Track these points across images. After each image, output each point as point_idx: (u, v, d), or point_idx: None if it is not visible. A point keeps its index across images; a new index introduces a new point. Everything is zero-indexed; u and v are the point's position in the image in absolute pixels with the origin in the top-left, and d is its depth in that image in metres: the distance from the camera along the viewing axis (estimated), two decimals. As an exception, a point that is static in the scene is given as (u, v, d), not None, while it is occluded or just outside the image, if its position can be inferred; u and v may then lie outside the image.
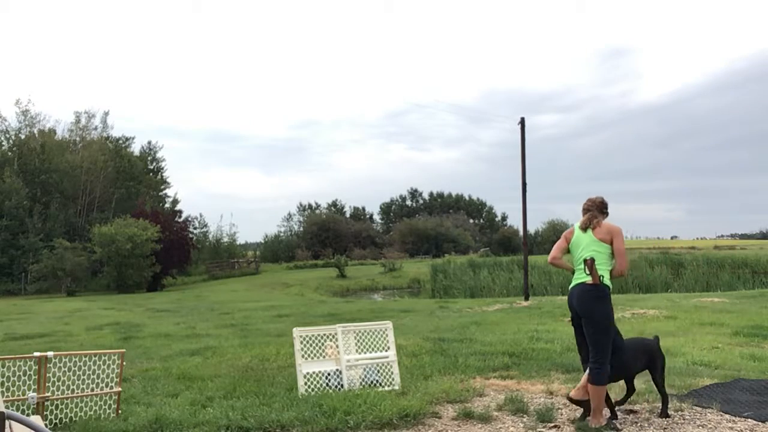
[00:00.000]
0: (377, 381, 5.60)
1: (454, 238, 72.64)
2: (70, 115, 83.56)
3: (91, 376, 4.94)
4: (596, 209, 4.66)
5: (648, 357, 4.71)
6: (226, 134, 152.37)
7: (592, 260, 4.40)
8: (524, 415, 4.69)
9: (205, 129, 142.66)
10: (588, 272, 4.40)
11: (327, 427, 4.38)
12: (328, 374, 5.63)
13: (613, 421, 4.44)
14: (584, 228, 4.58)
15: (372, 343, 5.85)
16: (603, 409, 4.42)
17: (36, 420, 1.88)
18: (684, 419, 4.49)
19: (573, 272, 4.60)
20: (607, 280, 4.41)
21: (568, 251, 4.71)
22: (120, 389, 4.92)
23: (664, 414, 4.58)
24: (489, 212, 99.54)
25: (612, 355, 4.40)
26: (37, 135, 45.18)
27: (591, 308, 4.37)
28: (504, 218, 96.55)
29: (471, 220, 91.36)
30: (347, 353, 5.71)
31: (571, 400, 4.51)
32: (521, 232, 20.03)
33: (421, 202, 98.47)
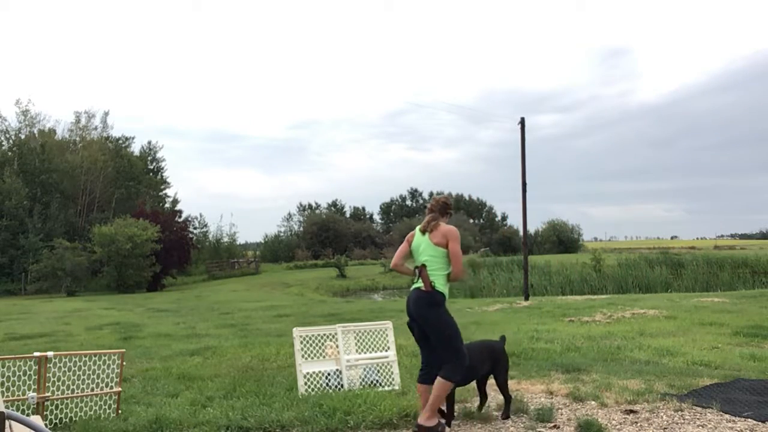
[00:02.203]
0: (377, 381, 5.60)
1: (454, 238, 72.52)
2: (70, 115, 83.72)
3: (91, 376, 4.94)
4: (438, 210, 4.47)
5: (493, 359, 4.70)
6: (225, 134, 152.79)
7: (423, 267, 4.28)
8: (524, 415, 4.68)
9: (204, 129, 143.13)
10: (419, 278, 4.30)
11: (327, 427, 4.38)
12: (328, 374, 5.63)
13: (443, 423, 4.31)
14: (423, 231, 4.42)
15: (372, 343, 5.85)
16: (436, 410, 4.26)
17: (36, 420, 1.88)
18: (684, 419, 4.49)
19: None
20: (440, 287, 4.25)
21: (411, 255, 4.50)
22: (120, 389, 4.92)
23: (505, 415, 4.59)
24: (489, 212, 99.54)
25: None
26: (37, 135, 45.18)
27: (425, 315, 4.25)
28: (504, 218, 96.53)
29: (471, 220, 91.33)
30: (347, 353, 5.71)
31: (421, 428, 4.24)
32: (521, 232, 20.02)
33: (421, 202, 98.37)
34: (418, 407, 4.49)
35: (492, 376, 4.77)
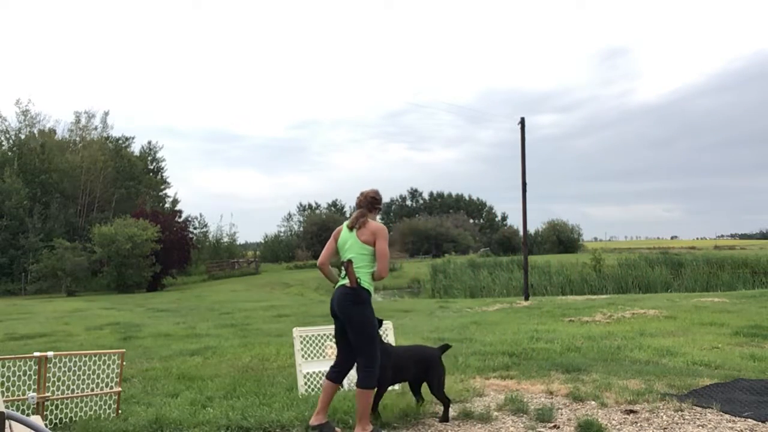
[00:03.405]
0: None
1: (454, 238, 72.72)
2: (70, 115, 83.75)
3: (91, 376, 4.93)
4: (366, 206, 4.38)
5: (422, 366, 4.63)
6: (225, 134, 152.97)
7: (350, 262, 4.19)
8: (524, 415, 4.68)
9: (204, 129, 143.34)
10: (345, 275, 4.22)
11: (327, 427, 4.38)
12: (328, 374, 5.62)
13: (381, 429, 4.29)
14: (351, 227, 4.32)
15: (372, 343, 5.84)
16: (369, 415, 4.22)
17: (36, 420, 1.88)
18: (684, 419, 4.49)
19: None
20: (366, 284, 4.18)
21: (338, 252, 4.38)
22: (120, 389, 4.92)
23: (444, 418, 4.52)
24: (489, 212, 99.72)
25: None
26: (37, 135, 45.20)
27: (349, 312, 4.15)
28: (504, 218, 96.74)
29: (471, 220, 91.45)
30: (347, 353, 5.70)
31: (314, 428, 4.21)
32: (521, 232, 20.01)
33: (421, 202, 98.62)
34: (326, 405, 4.35)
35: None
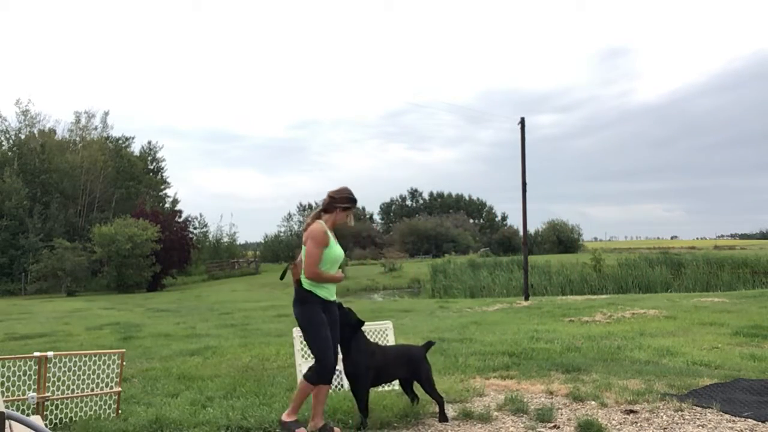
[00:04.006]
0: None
1: (454, 238, 72.69)
2: (70, 115, 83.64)
3: (91, 376, 4.93)
4: (324, 206, 4.31)
5: (410, 366, 4.62)
6: (225, 134, 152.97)
7: (291, 263, 4.30)
8: (524, 415, 4.68)
9: (204, 129, 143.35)
10: (291, 276, 4.28)
11: (327, 427, 4.37)
12: (328, 374, 5.62)
13: (330, 426, 4.26)
14: (305, 228, 4.34)
15: (372, 343, 5.83)
16: (298, 408, 4.26)
17: (36, 420, 1.88)
18: (684, 419, 4.49)
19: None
20: (306, 284, 4.19)
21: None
22: (120, 389, 4.92)
23: (442, 418, 4.50)
24: (489, 212, 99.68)
25: (346, 358, 4.36)
26: (37, 135, 45.20)
27: (294, 312, 4.24)
28: (504, 218, 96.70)
29: (471, 220, 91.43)
30: (347, 353, 5.70)
31: (281, 422, 4.22)
32: (521, 232, 20.00)
33: (421, 202, 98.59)
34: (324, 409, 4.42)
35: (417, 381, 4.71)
